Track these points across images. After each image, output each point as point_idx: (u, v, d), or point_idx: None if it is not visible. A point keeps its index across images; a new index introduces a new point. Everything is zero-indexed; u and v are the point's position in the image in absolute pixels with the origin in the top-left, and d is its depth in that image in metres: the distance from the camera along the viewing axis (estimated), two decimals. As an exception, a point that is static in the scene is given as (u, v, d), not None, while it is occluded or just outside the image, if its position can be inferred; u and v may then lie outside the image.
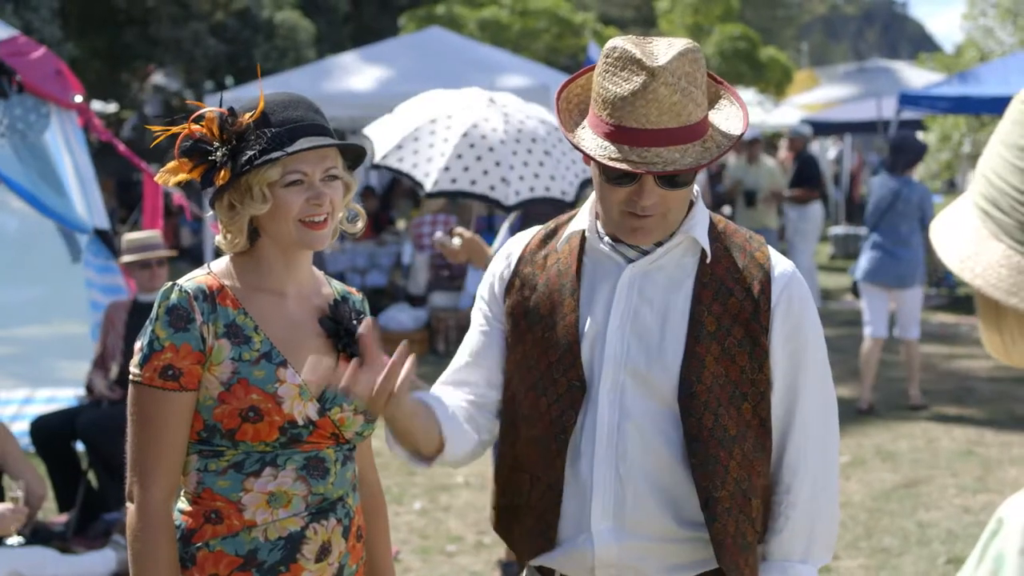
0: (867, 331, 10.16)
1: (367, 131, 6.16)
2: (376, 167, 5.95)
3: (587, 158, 2.66)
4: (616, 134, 2.53)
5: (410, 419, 2.62)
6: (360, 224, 2.95)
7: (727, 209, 14.61)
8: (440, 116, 5.99)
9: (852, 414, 9.75)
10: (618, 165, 2.51)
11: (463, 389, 2.86)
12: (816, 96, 29.85)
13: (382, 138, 6.01)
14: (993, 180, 1.42)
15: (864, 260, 10.15)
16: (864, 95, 24.89)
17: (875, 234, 10.06)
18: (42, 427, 7.18)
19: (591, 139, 2.58)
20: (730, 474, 2.66)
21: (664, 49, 2.55)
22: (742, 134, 2.64)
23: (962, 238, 1.44)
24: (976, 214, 1.45)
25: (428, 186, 5.73)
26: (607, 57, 2.58)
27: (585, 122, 2.65)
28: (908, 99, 14.60)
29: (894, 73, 28.99)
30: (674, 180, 2.58)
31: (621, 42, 2.59)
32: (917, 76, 26.75)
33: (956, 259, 1.43)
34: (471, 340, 2.90)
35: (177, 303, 2.71)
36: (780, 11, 40.48)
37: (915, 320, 10.11)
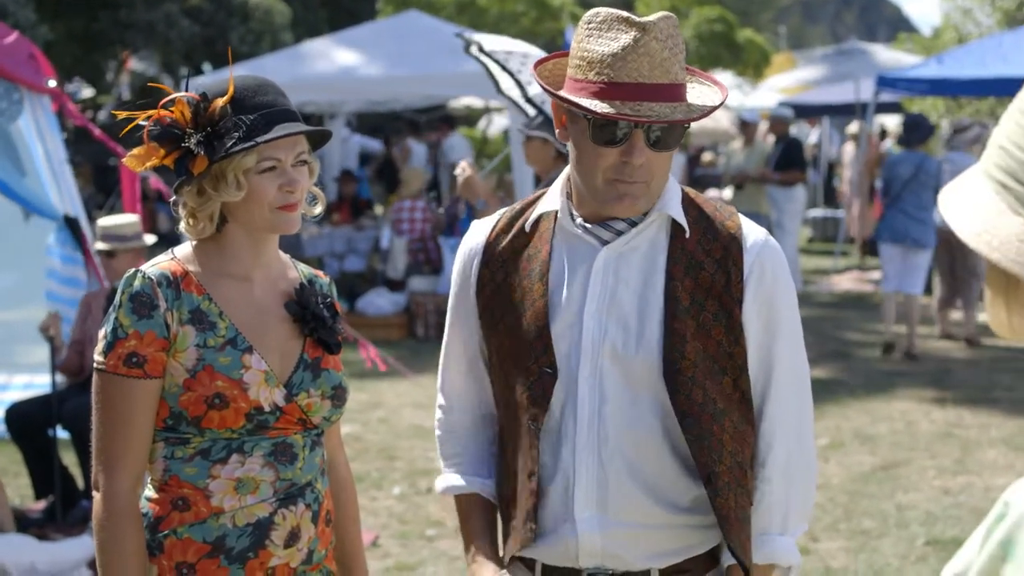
0: (885, 286, 11.78)
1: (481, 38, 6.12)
2: (484, 52, 5.91)
3: (562, 129, 2.64)
4: (607, 91, 2.49)
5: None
6: (319, 207, 2.92)
7: (711, 192, 14.59)
8: (536, 55, 6.00)
9: (832, 396, 9.77)
10: (616, 116, 2.46)
11: (470, 407, 2.88)
12: (794, 79, 29.84)
13: (488, 41, 6.00)
14: (1011, 151, 1.38)
15: (887, 222, 11.47)
16: (842, 77, 24.88)
17: (898, 201, 11.36)
18: (19, 414, 7.13)
19: (580, 100, 2.53)
20: (725, 447, 2.63)
21: (647, 13, 2.56)
22: (724, 100, 2.63)
23: (977, 210, 1.40)
24: (991, 186, 1.41)
25: (530, 92, 5.77)
26: (589, 23, 2.56)
27: (563, 92, 2.61)
28: (886, 81, 14.60)
29: (872, 55, 28.97)
30: (662, 141, 2.54)
31: (603, 8, 2.58)
32: (895, 58, 26.78)
33: (971, 232, 1.39)
34: (455, 348, 2.87)
35: (140, 290, 2.68)
36: (758, -6, 40.48)
37: (921, 277, 11.49)
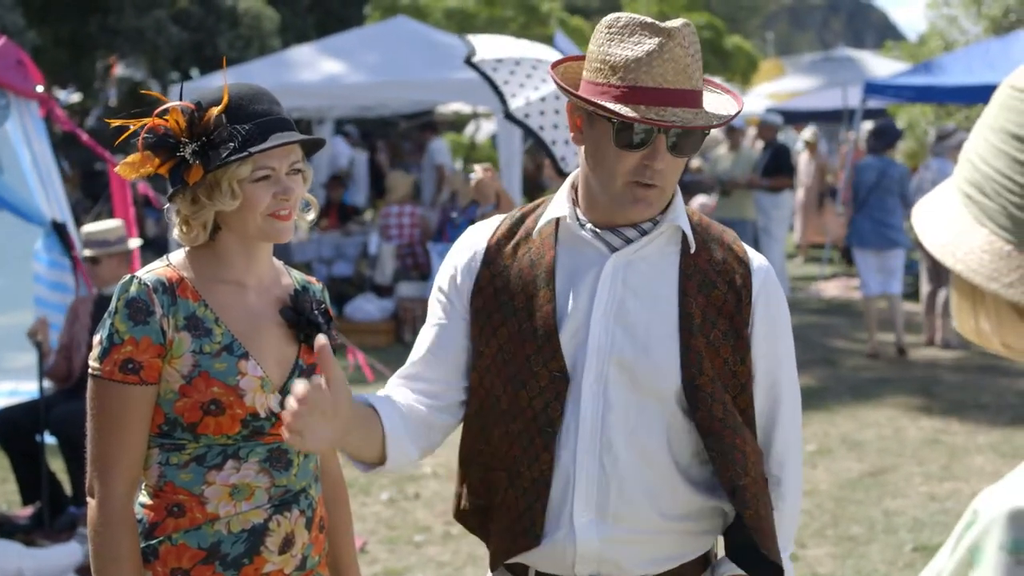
0: (864, 291, 12.04)
1: (473, 39, 6.10)
2: (471, 63, 5.89)
3: (577, 132, 2.63)
4: (632, 95, 2.49)
5: (350, 432, 2.42)
6: (312, 214, 2.93)
7: (701, 198, 14.60)
8: (533, 60, 5.98)
9: (819, 402, 9.78)
10: (644, 120, 2.47)
11: (420, 387, 2.74)
12: (782, 85, 29.90)
13: (483, 47, 5.97)
14: (978, 164, 1.41)
15: (856, 229, 11.83)
16: (830, 84, 24.95)
17: (864, 206, 11.68)
18: (6, 420, 7.12)
19: (605, 103, 2.52)
20: (749, 459, 2.65)
21: (667, 21, 2.57)
22: (740, 109, 2.65)
23: (944, 222, 1.43)
24: (959, 199, 1.44)
25: (511, 106, 5.74)
26: (610, 27, 2.57)
27: (582, 94, 2.60)
28: (874, 88, 14.65)
29: (859, 62, 29.05)
30: (680, 147, 2.55)
31: (623, 14, 2.59)
32: (882, 65, 26.84)
33: (938, 243, 1.42)
34: (429, 335, 2.79)
35: (136, 296, 2.69)
36: (745, 0, 40.56)
37: (898, 277, 11.85)
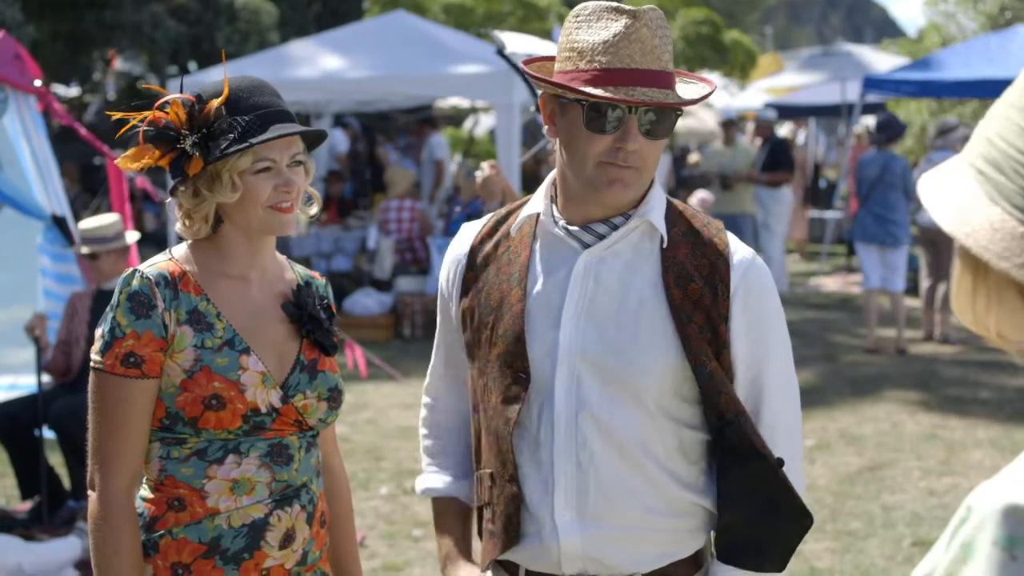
0: (865, 284, 12.03)
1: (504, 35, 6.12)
2: (503, 55, 5.85)
3: (551, 125, 2.62)
4: (601, 77, 2.47)
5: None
6: (315, 207, 2.93)
7: (701, 193, 14.58)
8: None
9: (818, 398, 9.78)
10: (612, 98, 2.44)
11: (453, 408, 2.93)
12: (781, 80, 29.87)
13: (512, 42, 5.98)
14: (996, 142, 1.40)
15: (859, 224, 11.81)
16: (828, 79, 24.94)
17: (868, 202, 11.66)
18: (5, 415, 7.11)
19: (574, 86, 2.51)
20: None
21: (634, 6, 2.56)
22: (713, 90, 2.63)
23: (955, 197, 1.42)
24: (972, 175, 1.42)
25: None
26: (577, 16, 2.55)
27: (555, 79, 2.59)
28: (872, 83, 14.68)
29: (858, 57, 29.03)
30: (654, 129, 2.52)
31: (590, 3, 2.57)
32: (881, 60, 26.83)
33: (948, 217, 1.41)
34: (439, 348, 2.92)
35: (138, 289, 2.69)
36: (744, -6, 40.51)
37: (901, 275, 11.79)
